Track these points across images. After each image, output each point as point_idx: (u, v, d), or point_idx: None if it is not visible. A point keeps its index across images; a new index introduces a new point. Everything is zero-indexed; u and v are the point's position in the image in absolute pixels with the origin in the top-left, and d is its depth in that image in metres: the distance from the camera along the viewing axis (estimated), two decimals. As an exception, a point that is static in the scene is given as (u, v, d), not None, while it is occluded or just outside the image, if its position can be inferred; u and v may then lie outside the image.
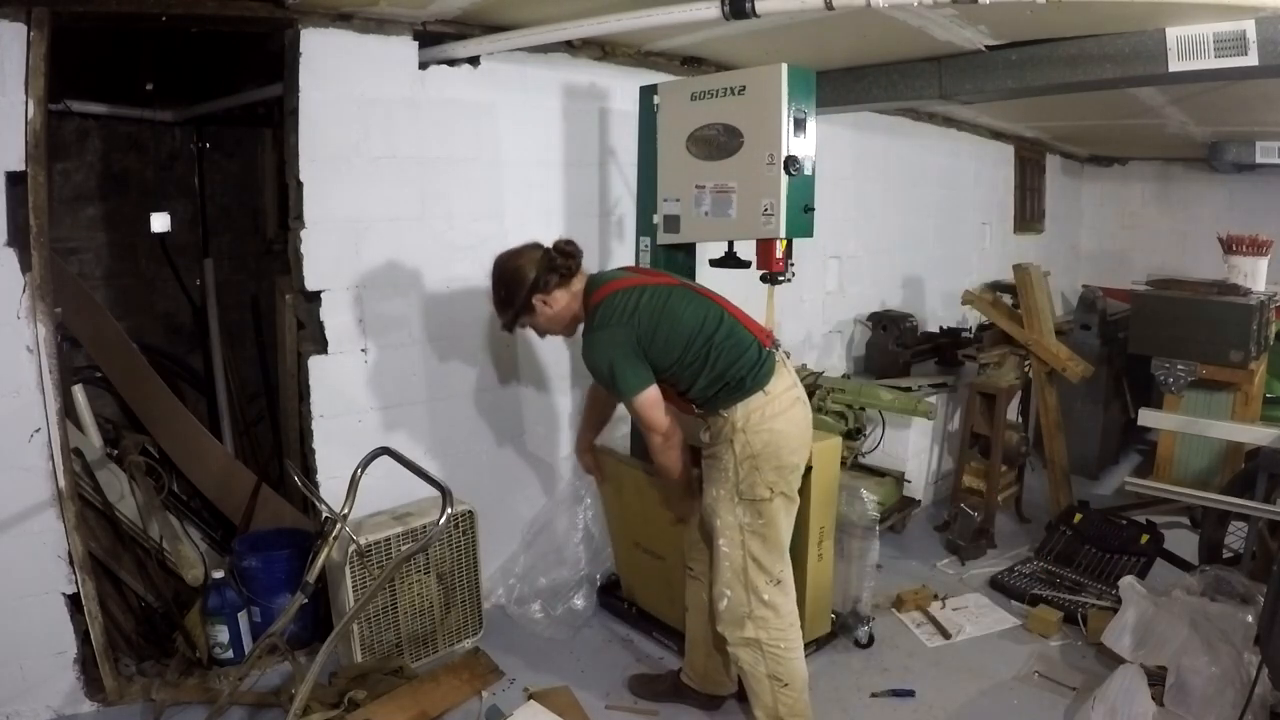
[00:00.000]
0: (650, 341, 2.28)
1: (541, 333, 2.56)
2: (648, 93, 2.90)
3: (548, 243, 2.44)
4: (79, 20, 2.42)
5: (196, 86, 3.69)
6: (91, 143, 3.71)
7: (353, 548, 2.68)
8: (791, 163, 2.51)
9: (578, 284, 2.43)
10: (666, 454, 2.39)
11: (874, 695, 2.79)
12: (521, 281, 2.38)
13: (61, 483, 2.48)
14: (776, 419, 2.28)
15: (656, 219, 2.91)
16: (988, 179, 6.13)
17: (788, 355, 2.87)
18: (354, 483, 2.49)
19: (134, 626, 2.90)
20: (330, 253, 2.85)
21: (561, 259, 2.39)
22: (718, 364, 2.28)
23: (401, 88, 2.93)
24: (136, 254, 3.90)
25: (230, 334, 4.05)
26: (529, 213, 3.31)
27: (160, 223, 3.85)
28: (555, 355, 3.49)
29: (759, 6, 2.25)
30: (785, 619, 2.39)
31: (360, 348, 2.96)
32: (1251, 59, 2.48)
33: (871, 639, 3.08)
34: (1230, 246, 4.54)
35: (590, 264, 3.50)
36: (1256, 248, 4.47)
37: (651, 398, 2.30)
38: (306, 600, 2.45)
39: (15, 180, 2.34)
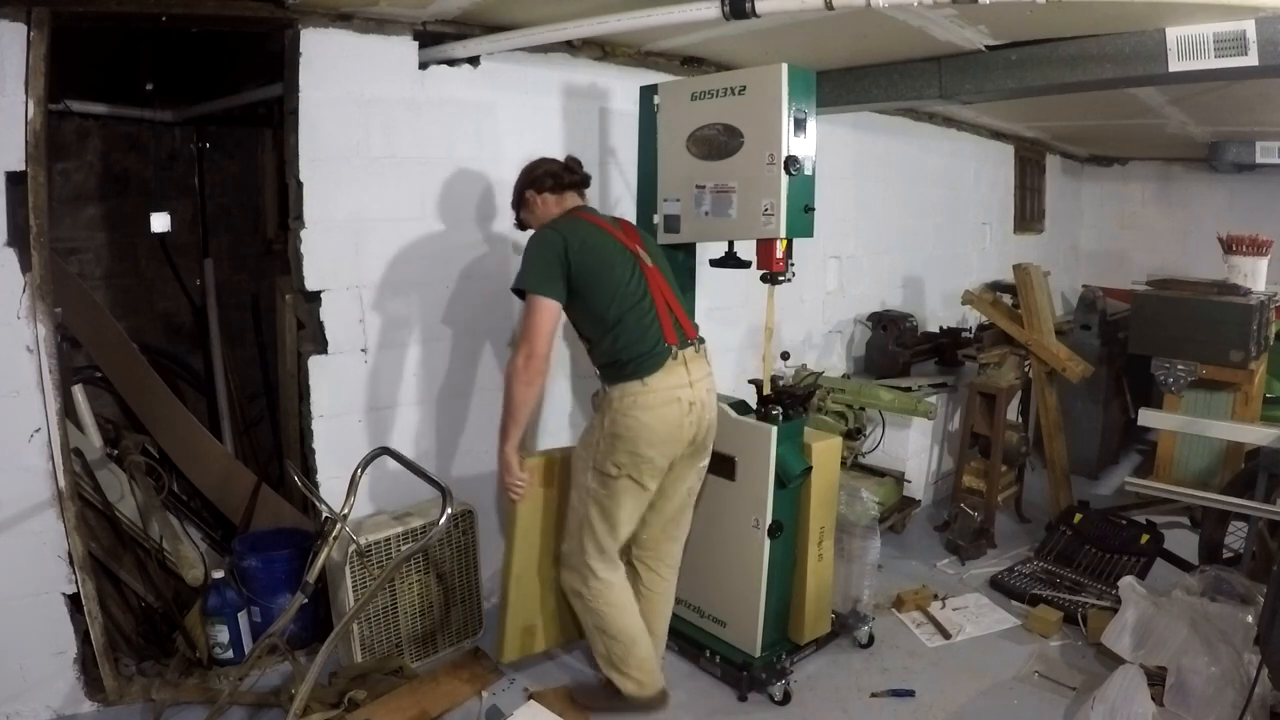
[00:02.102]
0: (577, 273, 2.39)
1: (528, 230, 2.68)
2: (648, 93, 2.90)
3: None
4: (79, 20, 2.42)
5: (196, 86, 3.70)
6: (91, 143, 3.71)
7: (353, 548, 2.68)
8: (791, 163, 2.51)
9: (570, 200, 2.61)
10: (519, 382, 2.36)
11: (874, 695, 2.79)
12: (528, 173, 2.63)
13: (61, 483, 2.48)
14: (644, 411, 2.39)
15: (656, 219, 2.91)
16: (988, 179, 6.13)
17: (781, 358, 2.86)
18: (354, 483, 2.49)
19: (134, 626, 2.90)
20: (330, 253, 2.85)
21: (563, 170, 2.61)
22: (618, 339, 2.41)
23: (401, 88, 2.93)
24: (136, 254, 3.90)
25: (230, 334, 4.05)
26: (529, 213, 3.31)
27: (160, 223, 3.86)
28: (555, 355, 3.48)
29: (759, 6, 2.25)
30: (603, 582, 2.55)
31: (360, 348, 2.96)
32: (1251, 59, 2.48)
33: (871, 639, 3.08)
34: (1230, 246, 4.54)
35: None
36: (1256, 248, 4.47)
37: (547, 307, 2.37)
38: (306, 600, 2.46)
39: (15, 180, 2.34)
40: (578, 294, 2.42)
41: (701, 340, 2.57)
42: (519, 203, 2.66)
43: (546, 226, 2.49)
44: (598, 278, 2.40)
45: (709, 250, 3.00)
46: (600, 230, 2.50)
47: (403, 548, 2.74)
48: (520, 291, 2.40)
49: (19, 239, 2.37)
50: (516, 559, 2.72)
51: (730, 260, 2.88)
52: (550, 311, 2.37)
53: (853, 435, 4.00)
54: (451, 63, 3.01)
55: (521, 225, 2.73)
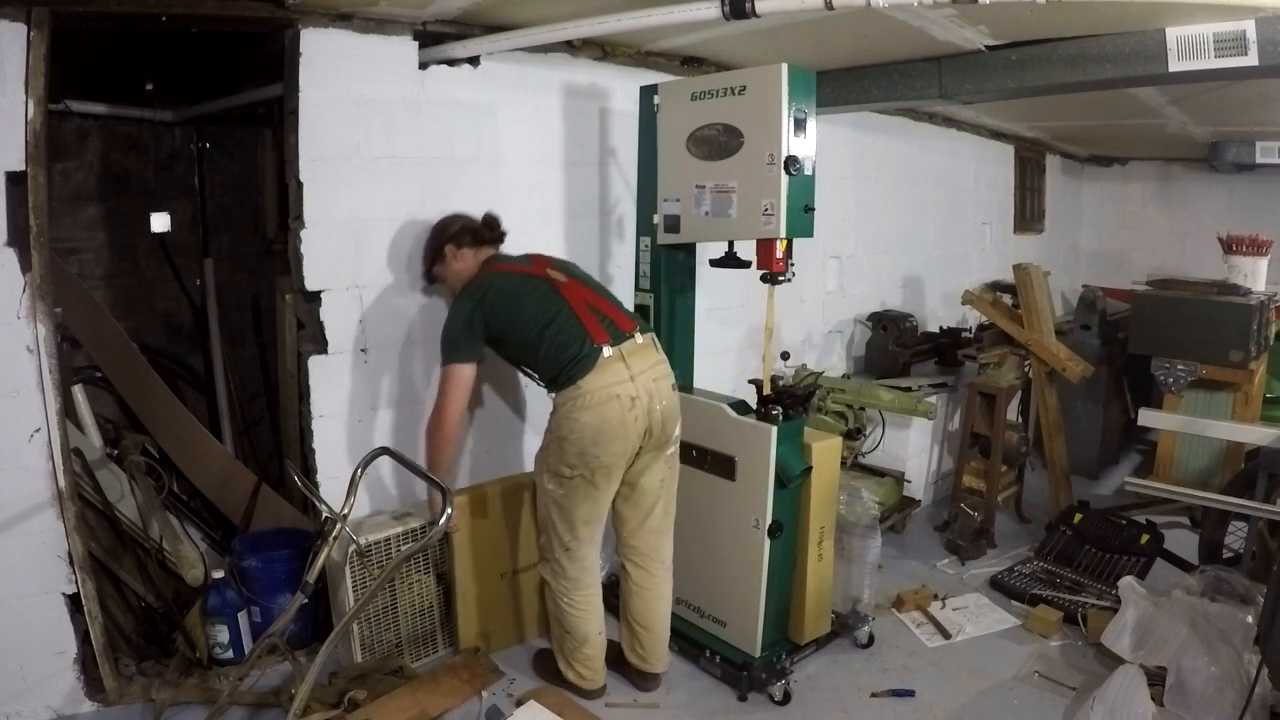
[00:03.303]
0: (496, 319, 2.58)
1: (447, 287, 2.84)
2: (648, 93, 2.90)
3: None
4: (79, 20, 2.42)
5: (196, 86, 3.70)
6: (91, 143, 3.71)
7: (353, 548, 2.68)
8: (791, 163, 2.51)
9: (486, 253, 2.78)
10: (433, 441, 2.66)
11: (874, 695, 2.79)
12: (444, 230, 2.80)
13: (61, 483, 2.48)
14: (584, 412, 2.47)
15: (656, 219, 2.91)
16: (988, 179, 6.13)
17: (781, 358, 2.87)
18: (354, 483, 2.49)
19: (134, 626, 2.90)
20: (330, 253, 2.85)
21: (482, 226, 2.79)
22: (546, 353, 2.53)
23: (401, 88, 2.93)
24: (136, 254, 3.90)
25: (230, 334, 4.05)
26: (529, 213, 3.31)
27: (160, 223, 3.86)
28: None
29: (759, 6, 2.25)
30: (570, 581, 2.66)
31: (360, 348, 2.96)
32: (1251, 59, 2.48)
33: (871, 639, 3.08)
34: (1230, 246, 4.54)
35: (591, 264, 3.54)
36: (1256, 248, 4.47)
37: (461, 374, 2.58)
38: (306, 600, 2.45)
39: (15, 180, 2.34)
40: (500, 337, 2.61)
41: (645, 330, 2.64)
42: (435, 258, 2.82)
43: (459, 299, 2.65)
44: (511, 315, 2.57)
45: (709, 250, 3.00)
46: (507, 274, 2.67)
47: (403, 548, 2.74)
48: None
49: (19, 239, 2.37)
50: (459, 578, 2.92)
51: (730, 260, 2.88)
52: (463, 377, 2.59)
53: (853, 435, 4.00)
54: (451, 63, 3.01)
55: (431, 279, 2.91)
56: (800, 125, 2.54)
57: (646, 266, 3.00)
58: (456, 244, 2.75)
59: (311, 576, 2.40)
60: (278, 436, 3.84)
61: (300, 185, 2.77)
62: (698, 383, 3.12)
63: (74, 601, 2.54)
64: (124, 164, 3.83)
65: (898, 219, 5.24)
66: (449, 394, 2.58)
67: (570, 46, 3.23)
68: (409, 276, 3.04)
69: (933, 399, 4.12)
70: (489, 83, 3.12)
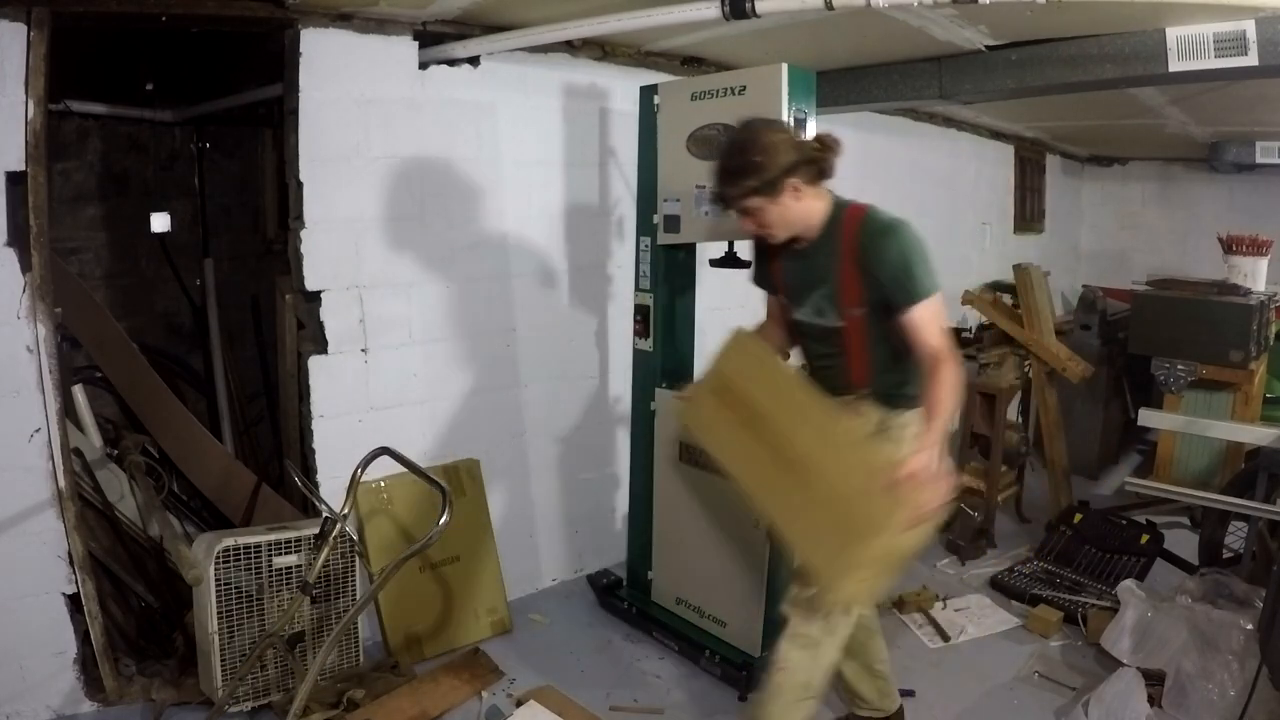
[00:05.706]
0: None
1: (766, 226, 2.12)
2: (648, 93, 2.91)
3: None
4: (79, 20, 2.42)
5: (196, 86, 3.70)
6: (91, 143, 3.71)
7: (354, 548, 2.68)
8: (791, 163, 2.50)
9: (824, 189, 2.13)
10: (957, 377, 1.97)
11: (874, 695, 2.79)
12: (778, 156, 2.01)
13: (61, 483, 2.49)
14: None
15: (656, 219, 2.92)
16: (988, 179, 6.12)
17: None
18: (354, 483, 2.49)
19: (134, 626, 2.90)
20: (330, 253, 2.85)
21: (823, 152, 2.07)
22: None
23: (401, 88, 2.93)
24: (136, 254, 3.90)
25: (230, 334, 4.04)
26: (529, 213, 3.32)
27: (160, 223, 3.86)
28: (554, 354, 3.49)
29: (759, 6, 2.25)
30: None
31: (360, 348, 2.96)
32: (1251, 59, 2.48)
33: (871, 639, 3.08)
34: (1230, 246, 4.54)
35: (591, 263, 3.54)
36: (1256, 248, 4.47)
37: (940, 304, 2.02)
38: (310, 601, 2.45)
39: (15, 180, 2.35)
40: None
41: None
42: (769, 190, 2.02)
43: (902, 226, 2.14)
44: None
45: (709, 250, 3.00)
46: None
47: (275, 558, 2.66)
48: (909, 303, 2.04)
49: (19, 239, 2.37)
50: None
51: (730, 260, 2.88)
52: (941, 305, 2.04)
53: (853, 435, 4.00)
54: (452, 63, 3.01)
55: (740, 209, 2.10)
56: (800, 125, 2.54)
57: (646, 266, 3.01)
58: (802, 179, 2.04)
59: (311, 576, 2.40)
60: (278, 436, 3.84)
61: (300, 185, 2.77)
62: (698, 383, 3.12)
63: (74, 601, 2.54)
64: (124, 164, 3.83)
65: (898, 219, 5.23)
66: (941, 330, 2.01)
67: (570, 47, 3.22)
68: (409, 276, 3.04)
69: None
70: (489, 83, 3.12)
